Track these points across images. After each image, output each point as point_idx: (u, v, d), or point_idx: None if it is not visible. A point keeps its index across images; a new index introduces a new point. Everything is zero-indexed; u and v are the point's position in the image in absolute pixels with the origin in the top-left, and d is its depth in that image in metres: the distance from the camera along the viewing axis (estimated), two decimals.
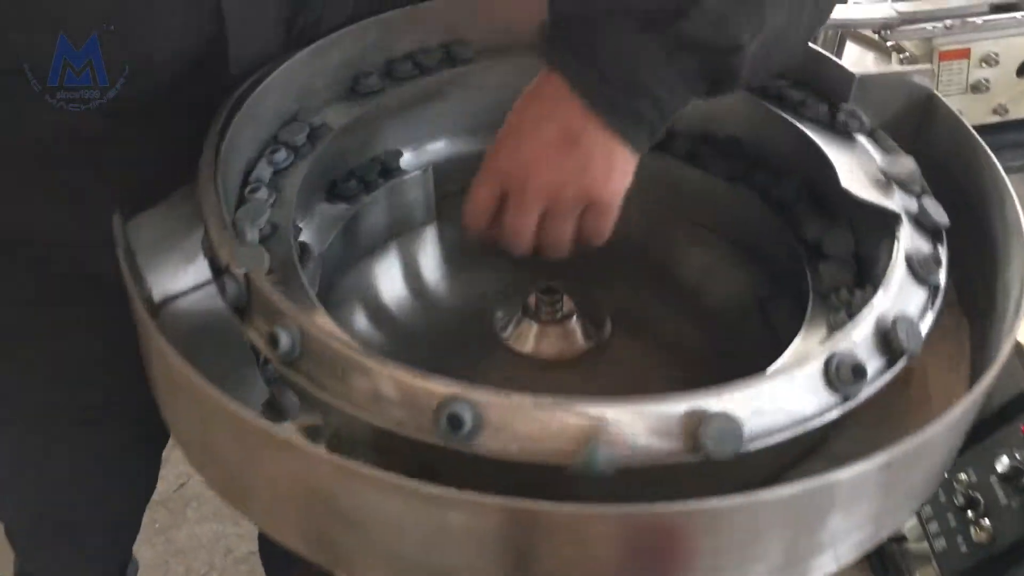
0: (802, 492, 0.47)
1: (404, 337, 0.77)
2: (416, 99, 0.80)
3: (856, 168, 0.69)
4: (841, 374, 0.53)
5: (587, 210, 0.64)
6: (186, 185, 0.65)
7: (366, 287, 0.79)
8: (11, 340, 0.86)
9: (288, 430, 0.56)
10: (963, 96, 1.32)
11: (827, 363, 0.53)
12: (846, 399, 0.53)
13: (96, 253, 0.63)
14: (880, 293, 0.58)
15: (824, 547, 0.51)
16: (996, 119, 1.35)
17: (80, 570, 1.13)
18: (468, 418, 0.49)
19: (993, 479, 0.93)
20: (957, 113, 0.72)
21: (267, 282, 0.58)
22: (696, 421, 0.49)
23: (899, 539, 1.06)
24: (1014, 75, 1.33)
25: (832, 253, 0.70)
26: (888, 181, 0.67)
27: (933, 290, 0.61)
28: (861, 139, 0.71)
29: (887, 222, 0.65)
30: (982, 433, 0.95)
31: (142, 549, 1.56)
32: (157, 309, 0.58)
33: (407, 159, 0.82)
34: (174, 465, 1.62)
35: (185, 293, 0.59)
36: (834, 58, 0.75)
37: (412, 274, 0.82)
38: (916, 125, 0.75)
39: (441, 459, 0.51)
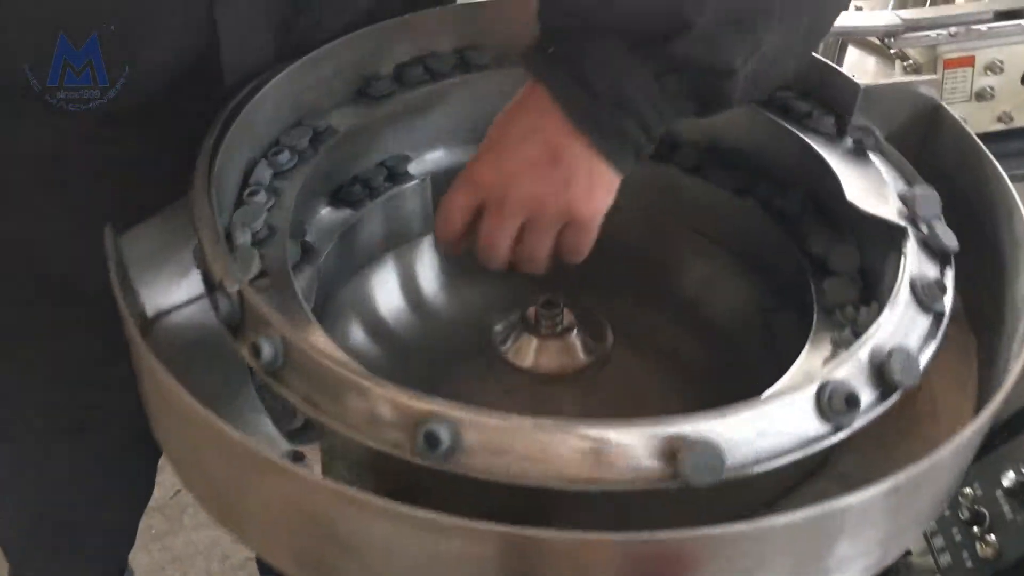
0: (807, 519, 0.45)
1: (401, 350, 0.76)
2: (420, 105, 0.79)
3: (861, 180, 0.68)
4: (834, 404, 0.52)
5: (567, 227, 0.63)
6: (181, 197, 0.64)
7: (363, 299, 0.78)
8: (11, 340, 0.85)
9: (279, 453, 0.54)
10: (967, 104, 1.31)
11: (819, 392, 0.52)
12: (838, 429, 0.52)
13: (96, 254, 0.62)
14: (880, 321, 0.57)
15: (830, 573, 0.50)
16: (1001, 127, 1.34)
17: None
18: (446, 437, 0.48)
19: (999, 493, 0.91)
20: (963, 124, 0.71)
21: (259, 297, 0.56)
22: (676, 447, 0.48)
23: (904, 553, 1.05)
24: (1019, 83, 1.32)
25: (838, 270, 0.68)
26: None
27: (937, 317, 0.59)
28: (875, 159, 0.70)
29: (893, 236, 0.64)
30: (988, 447, 0.93)
31: (138, 556, 1.56)
32: (150, 323, 0.57)
33: (410, 166, 0.80)
34: (170, 472, 1.59)
35: (179, 307, 0.58)
36: (839, 69, 0.74)
37: (409, 286, 0.81)
38: (922, 136, 0.74)
39: (428, 478, 0.49)
